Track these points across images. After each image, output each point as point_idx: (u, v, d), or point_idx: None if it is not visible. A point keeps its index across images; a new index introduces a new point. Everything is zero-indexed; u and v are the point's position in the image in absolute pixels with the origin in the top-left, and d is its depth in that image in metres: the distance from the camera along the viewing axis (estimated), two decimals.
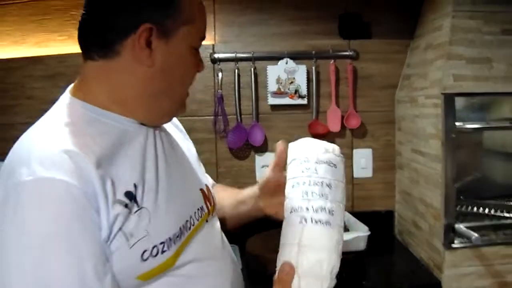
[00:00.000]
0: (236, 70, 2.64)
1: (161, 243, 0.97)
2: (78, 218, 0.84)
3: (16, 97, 2.72)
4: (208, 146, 2.69)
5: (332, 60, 2.65)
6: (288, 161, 1.19)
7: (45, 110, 2.58)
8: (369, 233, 2.18)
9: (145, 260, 0.93)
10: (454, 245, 2.08)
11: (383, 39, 2.73)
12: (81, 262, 0.83)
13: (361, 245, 2.17)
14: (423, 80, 2.33)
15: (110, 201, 0.90)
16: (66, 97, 1.06)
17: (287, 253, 1.03)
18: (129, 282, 0.93)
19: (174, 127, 1.35)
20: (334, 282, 1.04)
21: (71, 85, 1.09)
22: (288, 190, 1.12)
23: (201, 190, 1.24)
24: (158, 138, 1.12)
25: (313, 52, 2.65)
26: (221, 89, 2.64)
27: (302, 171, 1.11)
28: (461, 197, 2.49)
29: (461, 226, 2.05)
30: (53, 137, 0.92)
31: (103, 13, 0.99)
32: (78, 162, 0.87)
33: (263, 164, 2.69)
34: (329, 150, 1.17)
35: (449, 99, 2.07)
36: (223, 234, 1.30)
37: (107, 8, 0.98)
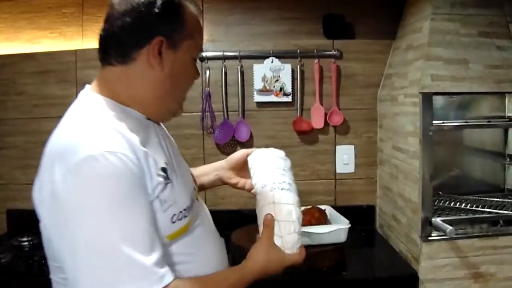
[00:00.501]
0: (223, 68, 2.71)
1: (184, 210, 1.22)
2: (136, 182, 1.08)
3: (7, 93, 2.77)
4: (195, 141, 2.76)
5: (317, 59, 2.73)
6: (253, 161, 1.61)
7: (36, 106, 2.65)
8: (349, 225, 2.25)
9: (174, 222, 1.18)
10: (430, 238, 2.16)
11: (366, 39, 2.81)
12: (143, 213, 1.08)
13: (342, 237, 2.24)
14: (403, 79, 2.41)
15: (154, 173, 1.13)
16: (91, 94, 1.23)
17: (266, 210, 1.40)
18: (161, 241, 1.12)
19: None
20: (300, 226, 1.42)
21: (91, 85, 1.27)
22: (257, 176, 1.53)
23: (191, 174, 1.50)
24: (159, 130, 1.33)
25: (298, 51, 2.73)
26: (208, 87, 2.71)
27: (266, 165, 1.56)
28: (440, 192, 2.59)
29: (437, 220, 2.13)
30: (101, 120, 1.13)
31: (123, 28, 1.18)
32: (128, 139, 1.10)
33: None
34: (280, 153, 1.63)
35: (426, 98, 2.15)
36: None
37: (127, 24, 1.17)
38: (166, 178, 1.18)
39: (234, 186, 1.73)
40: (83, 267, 1.00)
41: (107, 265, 1.00)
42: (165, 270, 1.07)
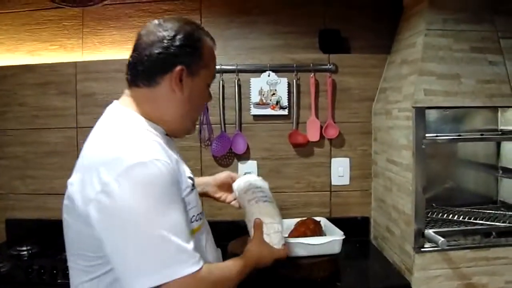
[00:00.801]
0: (221, 82, 2.76)
1: (199, 213, 1.48)
2: (175, 184, 1.31)
3: (8, 104, 2.81)
4: (193, 153, 2.80)
5: (312, 73, 2.78)
6: (238, 184, 1.97)
7: (36, 117, 2.70)
8: (343, 237, 2.29)
9: (192, 222, 1.42)
10: (423, 249, 2.19)
11: (361, 54, 2.86)
12: (181, 209, 1.30)
13: (336, 249, 2.28)
14: (397, 93, 2.45)
15: (184, 178, 1.40)
16: (124, 110, 1.43)
17: (255, 216, 1.78)
18: None
19: None
20: (282, 227, 1.82)
21: (119, 102, 1.47)
22: (243, 195, 1.91)
23: None
24: (172, 141, 1.55)
25: (294, 65, 2.78)
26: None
27: (248, 187, 1.93)
28: (434, 204, 2.63)
29: (429, 231, 2.17)
30: (141, 132, 1.35)
31: (150, 56, 1.38)
32: (165, 149, 1.33)
33: (245, 171, 2.80)
34: (257, 178, 2.02)
35: (419, 112, 2.19)
36: None
37: (154, 54, 1.38)
38: (193, 185, 1.45)
39: (218, 199, 2.05)
40: (138, 255, 1.19)
41: (159, 252, 1.20)
42: (199, 255, 1.28)
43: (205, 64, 1.45)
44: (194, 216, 1.43)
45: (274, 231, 1.77)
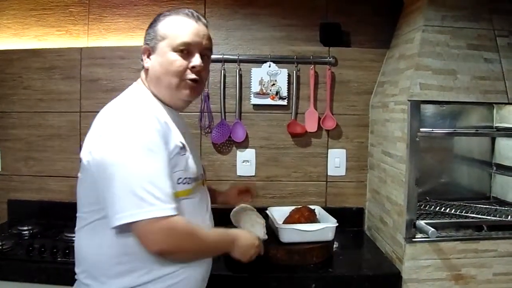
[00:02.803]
0: (223, 71, 2.81)
1: (189, 178, 1.61)
2: (157, 138, 1.47)
3: (14, 87, 2.86)
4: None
5: (312, 65, 2.82)
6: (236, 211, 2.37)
7: (41, 100, 2.75)
8: (336, 224, 2.33)
9: (178, 183, 1.55)
10: (414, 239, 2.24)
11: (361, 48, 2.91)
12: (163, 161, 1.47)
13: (329, 236, 2.32)
14: (394, 87, 2.50)
15: (173, 139, 1.56)
16: (139, 85, 1.71)
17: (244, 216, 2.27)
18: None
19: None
20: (264, 224, 2.24)
21: (139, 79, 1.74)
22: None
23: (202, 165, 1.89)
24: (180, 119, 1.75)
25: (295, 57, 2.82)
26: (207, 88, 2.80)
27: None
28: (428, 197, 2.69)
29: (421, 222, 2.22)
30: (139, 99, 1.63)
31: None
32: (156, 114, 1.54)
33: (244, 159, 2.87)
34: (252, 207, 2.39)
35: (415, 106, 2.23)
36: None
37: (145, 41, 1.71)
38: (183, 148, 1.60)
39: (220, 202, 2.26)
40: (117, 197, 1.40)
41: (134, 195, 1.38)
42: (175, 205, 1.45)
43: (161, 37, 1.63)
44: (181, 178, 1.57)
45: (257, 223, 2.21)
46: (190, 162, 1.64)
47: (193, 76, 1.65)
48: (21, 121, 2.87)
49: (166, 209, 1.42)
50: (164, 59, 1.62)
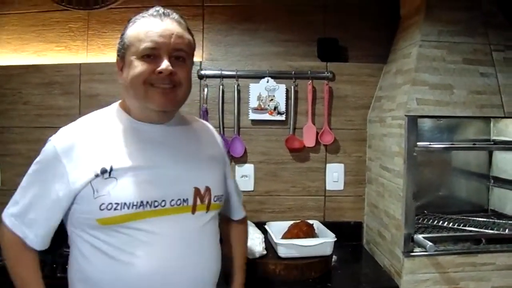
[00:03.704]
0: (221, 86, 2.82)
1: (118, 203, 1.39)
2: (48, 164, 1.48)
3: (14, 102, 2.86)
4: None
5: (310, 80, 2.84)
6: None
7: (40, 116, 2.75)
8: (335, 239, 2.34)
9: (102, 210, 1.38)
10: (412, 254, 2.25)
11: (358, 63, 2.93)
12: (36, 187, 1.49)
13: (328, 250, 2.33)
14: (391, 102, 2.51)
15: (84, 165, 1.43)
16: (116, 102, 1.66)
17: None
18: (92, 222, 1.41)
19: (209, 136, 1.78)
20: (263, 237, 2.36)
21: None
22: None
23: (196, 188, 1.55)
24: (159, 132, 1.56)
25: (293, 72, 2.84)
26: (206, 103, 2.81)
27: None
28: (426, 211, 2.70)
29: (419, 236, 2.23)
30: (88, 117, 1.62)
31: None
32: (70, 135, 1.50)
33: (243, 174, 2.87)
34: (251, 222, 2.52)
35: (412, 121, 2.25)
36: (211, 235, 1.62)
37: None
38: (105, 173, 1.42)
39: None
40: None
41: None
42: (12, 220, 1.51)
43: (128, 46, 1.48)
44: (103, 204, 1.39)
45: (256, 238, 2.31)
46: (128, 186, 1.43)
47: (161, 82, 1.46)
48: (21, 136, 2.87)
49: (5, 218, 1.53)
50: (131, 70, 1.46)
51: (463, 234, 2.38)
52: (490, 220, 2.58)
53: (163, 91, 1.46)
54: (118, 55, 1.55)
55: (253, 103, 2.83)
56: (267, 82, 2.81)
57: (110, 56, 2.92)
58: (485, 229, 2.40)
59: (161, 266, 1.43)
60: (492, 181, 2.83)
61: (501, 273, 2.30)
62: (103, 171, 1.42)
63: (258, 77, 2.83)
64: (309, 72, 2.84)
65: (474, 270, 2.28)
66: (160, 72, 1.44)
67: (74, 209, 1.45)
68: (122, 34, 1.53)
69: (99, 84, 2.85)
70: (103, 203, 1.39)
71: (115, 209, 1.39)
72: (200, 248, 1.53)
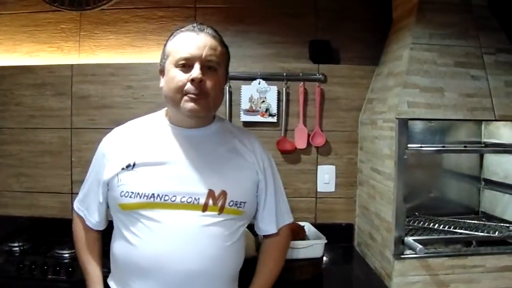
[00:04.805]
0: None
1: (134, 192, 1.61)
2: (98, 155, 1.78)
3: (6, 103, 2.87)
4: None
5: (302, 82, 2.84)
6: None
7: (33, 117, 2.75)
8: (326, 241, 2.35)
9: (121, 196, 1.63)
10: (403, 256, 2.26)
11: (350, 65, 2.93)
12: (92, 172, 1.81)
13: (319, 252, 2.34)
14: (382, 104, 2.52)
15: (118, 156, 1.69)
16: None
17: None
18: (116, 206, 1.66)
19: (247, 145, 1.84)
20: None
21: None
22: None
23: (210, 190, 1.65)
24: (196, 137, 1.73)
25: (284, 74, 2.84)
26: None
27: None
28: (416, 213, 2.70)
29: (409, 239, 2.23)
30: (138, 120, 1.85)
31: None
32: (115, 136, 1.78)
33: None
34: None
35: (402, 124, 2.25)
36: (217, 236, 1.66)
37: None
38: (129, 167, 1.65)
39: None
40: None
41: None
42: (77, 205, 1.88)
43: (167, 56, 1.68)
44: (123, 192, 1.63)
45: (247, 239, 2.04)
46: (144, 178, 1.63)
47: (192, 89, 1.59)
48: (12, 137, 2.88)
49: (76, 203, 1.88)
50: (169, 77, 1.65)
51: (453, 236, 2.39)
52: (481, 222, 2.59)
53: (192, 98, 1.61)
54: (160, 65, 1.74)
55: (245, 104, 2.83)
56: (259, 84, 2.82)
57: (101, 57, 2.92)
58: (475, 231, 2.41)
59: (160, 251, 1.57)
60: (483, 183, 2.84)
61: (491, 275, 2.31)
62: (128, 166, 1.65)
63: (249, 78, 2.83)
64: (300, 74, 2.84)
65: (464, 272, 2.29)
66: (192, 80, 1.59)
67: (109, 195, 1.71)
68: (164, 46, 1.72)
69: (91, 85, 2.85)
70: (122, 191, 1.63)
71: (130, 196, 1.61)
72: (198, 244, 1.60)
